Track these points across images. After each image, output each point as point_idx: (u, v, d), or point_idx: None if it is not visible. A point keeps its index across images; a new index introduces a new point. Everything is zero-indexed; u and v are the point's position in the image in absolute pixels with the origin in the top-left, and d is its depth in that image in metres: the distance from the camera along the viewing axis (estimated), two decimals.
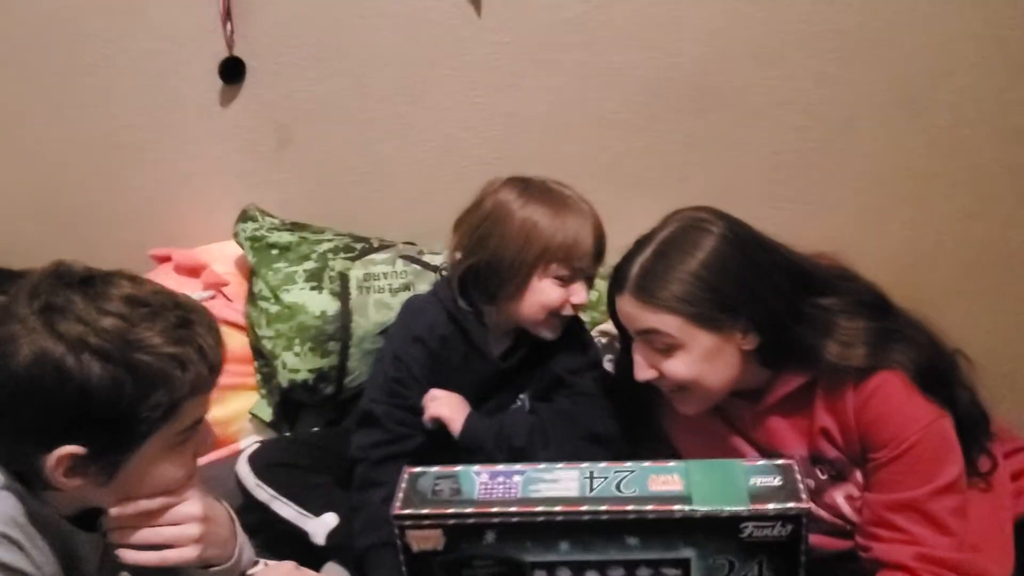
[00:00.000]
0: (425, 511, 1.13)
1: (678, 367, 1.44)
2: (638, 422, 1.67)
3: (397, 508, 1.14)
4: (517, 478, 1.16)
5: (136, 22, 2.01)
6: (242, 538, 1.23)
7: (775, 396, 1.49)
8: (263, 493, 1.64)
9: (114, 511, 1.11)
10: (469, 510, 1.12)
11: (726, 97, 2.07)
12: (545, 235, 1.58)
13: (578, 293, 1.61)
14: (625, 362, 1.56)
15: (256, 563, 1.29)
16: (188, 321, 1.07)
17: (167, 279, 2.04)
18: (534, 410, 1.70)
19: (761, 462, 1.16)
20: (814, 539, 1.49)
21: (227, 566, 1.18)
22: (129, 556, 1.11)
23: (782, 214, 2.08)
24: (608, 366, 2.01)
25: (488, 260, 1.61)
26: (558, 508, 1.11)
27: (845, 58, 2.03)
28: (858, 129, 2.09)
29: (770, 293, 1.42)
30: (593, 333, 2.04)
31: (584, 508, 1.11)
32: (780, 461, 1.16)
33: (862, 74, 2.04)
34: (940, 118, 2.07)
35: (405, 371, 1.66)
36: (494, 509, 1.12)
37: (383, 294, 1.93)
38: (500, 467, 1.19)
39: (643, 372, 1.47)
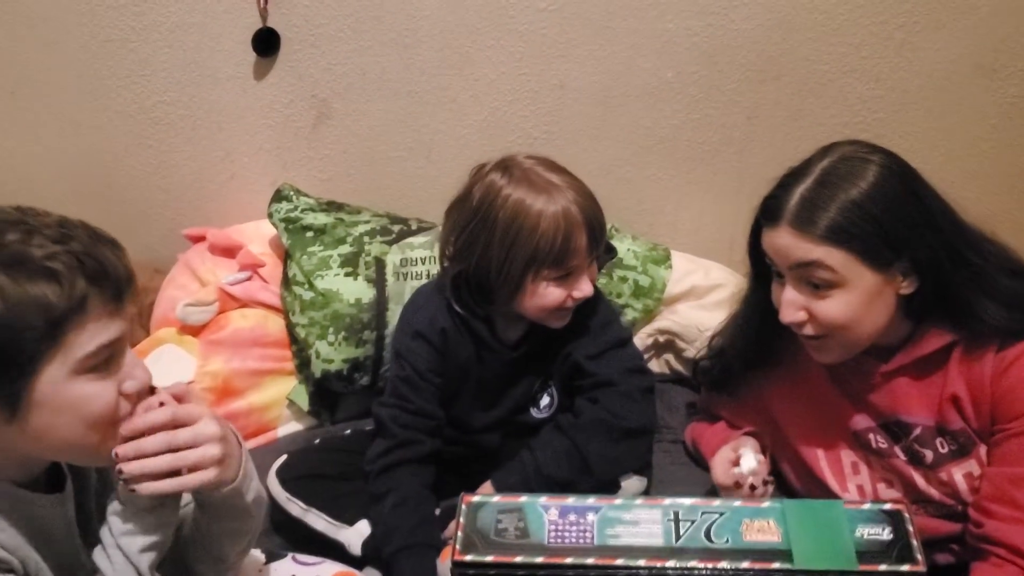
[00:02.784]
0: (489, 558, 1.04)
1: (833, 309, 1.33)
2: (737, 378, 1.60)
3: (457, 553, 1.05)
4: (591, 516, 1.07)
5: None
6: (249, 465, 1.18)
7: (912, 355, 1.40)
8: (295, 507, 1.60)
9: (122, 449, 1.06)
10: (540, 559, 1.03)
11: (789, 66, 2.01)
12: (530, 242, 1.47)
13: (580, 287, 1.51)
14: (752, 305, 1.49)
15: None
16: (67, 236, 1.01)
17: (202, 259, 2.02)
18: (560, 426, 1.60)
19: (867, 506, 1.07)
20: (920, 522, 1.41)
21: (236, 483, 1.13)
22: (148, 487, 1.06)
23: None
24: (653, 366, 1.95)
25: (475, 268, 1.53)
26: (642, 562, 1.02)
27: (916, 24, 1.98)
28: (930, 99, 2.04)
29: (933, 232, 1.33)
30: (647, 331, 2.00)
31: (671, 564, 1.02)
32: (888, 507, 1.07)
33: (934, 41, 1.99)
34: (1015, 86, 2.01)
35: (410, 369, 1.60)
36: (568, 560, 1.03)
37: (420, 280, 1.86)
38: (571, 500, 1.09)
39: (792, 314, 1.36)
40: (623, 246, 1.97)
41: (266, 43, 1.99)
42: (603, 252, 1.59)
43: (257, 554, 1.41)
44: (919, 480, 1.42)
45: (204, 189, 2.15)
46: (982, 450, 1.37)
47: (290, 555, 1.45)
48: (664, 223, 2.10)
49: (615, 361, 1.61)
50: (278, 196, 2.01)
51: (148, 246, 2.11)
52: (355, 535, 1.55)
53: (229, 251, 2.01)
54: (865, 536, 1.03)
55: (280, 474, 1.64)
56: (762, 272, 1.44)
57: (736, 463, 1.45)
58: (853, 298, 1.32)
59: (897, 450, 1.44)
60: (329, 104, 2.06)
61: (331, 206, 2.02)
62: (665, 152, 2.09)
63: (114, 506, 1.10)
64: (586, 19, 1.97)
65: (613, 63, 2.01)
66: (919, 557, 1.01)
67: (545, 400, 1.67)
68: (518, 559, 1.03)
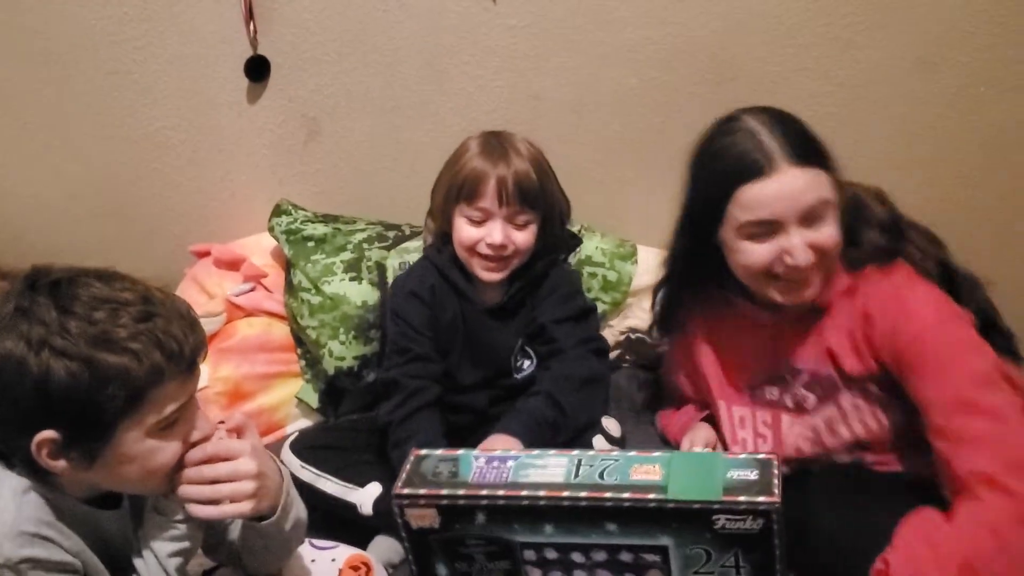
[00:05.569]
0: (422, 491, 1.20)
1: (833, 232, 1.39)
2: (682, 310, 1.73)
3: (398, 487, 1.21)
4: (511, 463, 1.22)
5: (163, 28, 2.06)
6: (294, 494, 1.32)
7: (824, 297, 1.48)
8: (307, 473, 1.70)
9: (185, 475, 1.20)
10: (461, 492, 1.19)
11: (744, 68, 2.08)
12: (451, 177, 1.72)
13: (492, 235, 1.69)
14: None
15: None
16: (149, 315, 1.12)
17: (208, 272, 2.11)
18: (536, 392, 1.74)
19: (743, 456, 1.19)
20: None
21: (274, 519, 1.27)
22: (195, 510, 1.21)
23: None
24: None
25: (433, 204, 1.80)
26: (541, 493, 1.17)
27: (860, 24, 2.05)
28: (876, 92, 2.10)
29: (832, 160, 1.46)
30: (619, 329, 2.09)
31: (565, 494, 1.16)
32: (762, 456, 1.18)
33: (878, 38, 2.06)
34: (956, 78, 2.09)
35: (405, 325, 1.77)
36: (483, 492, 1.19)
37: None
38: (498, 452, 1.26)
39: (807, 255, 1.38)
40: (592, 244, 2.06)
41: (257, 70, 2.09)
42: (567, 237, 1.82)
43: None
44: (791, 426, 1.53)
45: (207, 207, 2.24)
46: (844, 397, 1.47)
47: (307, 541, 1.52)
48: (635, 220, 2.16)
49: (574, 330, 1.79)
50: (278, 211, 2.10)
51: (157, 262, 2.17)
52: (366, 496, 1.65)
53: (233, 264, 2.10)
54: (735, 477, 1.14)
55: (293, 446, 1.75)
56: (703, 238, 1.50)
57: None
58: (836, 217, 1.39)
59: (786, 399, 1.55)
60: (319, 123, 2.16)
61: (327, 217, 2.12)
62: (634, 154, 2.16)
63: (149, 517, 1.25)
64: (554, 34, 2.06)
65: (582, 74, 2.09)
66: (776, 492, 1.11)
67: (526, 363, 1.82)
68: (444, 492, 1.20)
